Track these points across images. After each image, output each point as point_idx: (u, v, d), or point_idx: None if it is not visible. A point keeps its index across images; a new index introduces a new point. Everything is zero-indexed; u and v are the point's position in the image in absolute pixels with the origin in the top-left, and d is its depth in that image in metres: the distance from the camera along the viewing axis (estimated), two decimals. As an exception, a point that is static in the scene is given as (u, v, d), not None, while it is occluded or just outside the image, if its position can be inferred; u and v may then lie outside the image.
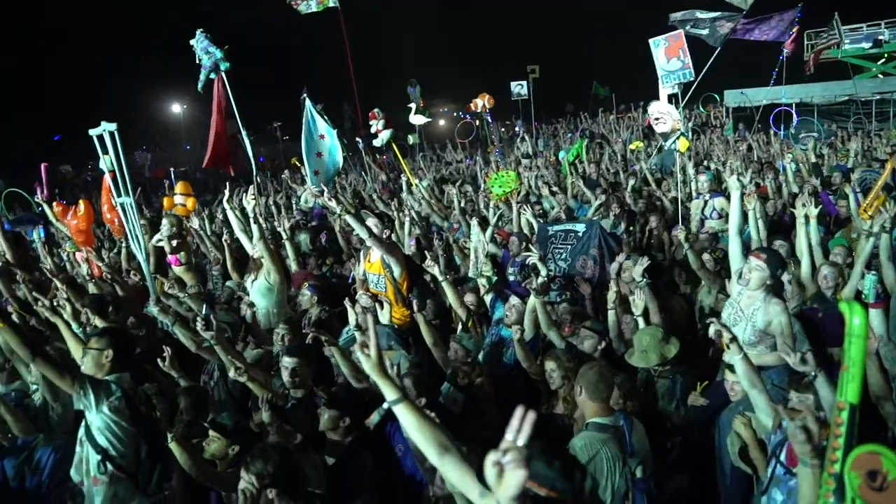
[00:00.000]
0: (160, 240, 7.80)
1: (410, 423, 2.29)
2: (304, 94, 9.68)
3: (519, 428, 1.76)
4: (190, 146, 38.76)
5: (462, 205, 10.08)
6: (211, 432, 4.03)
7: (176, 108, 43.89)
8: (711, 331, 3.80)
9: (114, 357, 3.70)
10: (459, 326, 5.93)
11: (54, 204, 9.65)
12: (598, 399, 3.89)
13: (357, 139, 15.97)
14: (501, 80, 24.42)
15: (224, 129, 9.43)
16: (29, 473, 3.86)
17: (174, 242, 7.76)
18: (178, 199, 10.34)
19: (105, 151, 6.08)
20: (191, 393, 4.66)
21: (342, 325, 6.21)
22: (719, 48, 13.17)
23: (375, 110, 13.34)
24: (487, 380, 4.90)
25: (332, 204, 6.02)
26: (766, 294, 4.75)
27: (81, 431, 3.62)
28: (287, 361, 4.62)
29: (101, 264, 7.43)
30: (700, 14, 13.30)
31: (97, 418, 3.50)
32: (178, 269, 7.79)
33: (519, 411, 1.77)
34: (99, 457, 3.48)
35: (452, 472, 2.19)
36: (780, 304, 4.71)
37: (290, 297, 6.98)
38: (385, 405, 2.40)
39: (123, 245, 9.16)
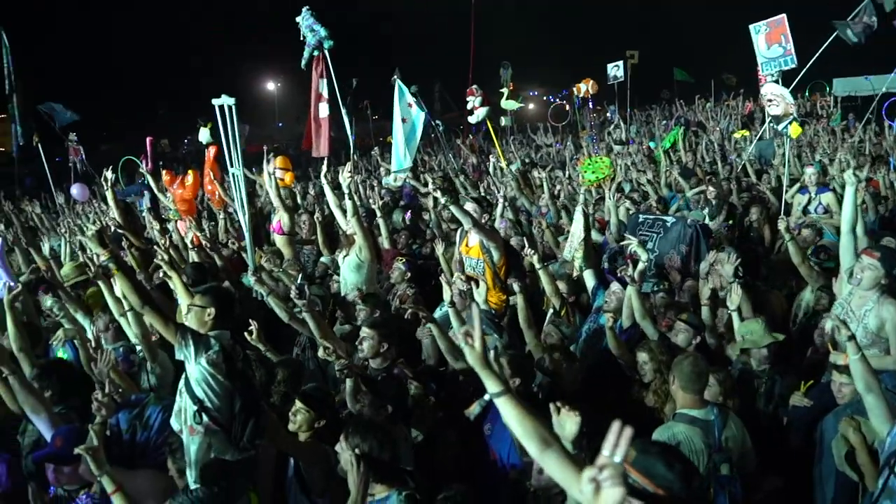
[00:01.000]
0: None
1: (512, 416, 2.26)
2: (396, 76, 9.74)
3: (616, 443, 1.72)
4: (283, 124, 39.75)
5: (553, 190, 9.96)
6: (298, 403, 4.14)
7: (270, 86, 45.12)
8: (827, 327, 3.62)
9: (216, 315, 3.78)
10: (549, 313, 5.88)
11: (164, 173, 10.09)
12: (691, 391, 3.84)
13: (437, 122, 15.92)
14: (595, 65, 23.89)
15: (318, 109, 9.58)
16: (140, 429, 4.05)
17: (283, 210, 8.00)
18: (277, 173, 10.61)
19: (224, 122, 6.39)
20: (289, 365, 4.81)
21: (428, 305, 6.25)
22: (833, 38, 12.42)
23: (474, 87, 13.21)
24: (577, 368, 4.84)
25: (430, 188, 6.05)
26: (879, 294, 4.50)
27: (181, 382, 3.75)
28: (367, 332, 4.72)
29: (200, 234, 7.72)
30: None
31: (195, 370, 3.62)
32: (279, 239, 7.99)
33: (616, 426, 1.73)
34: (195, 407, 3.60)
35: (554, 469, 2.16)
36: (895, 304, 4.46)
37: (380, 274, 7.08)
38: (486, 396, 2.37)
39: (221, 216, 9.51)
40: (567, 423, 2.80)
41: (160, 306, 3.94)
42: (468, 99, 13.25)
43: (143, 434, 4.06)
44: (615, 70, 21.81)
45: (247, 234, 6.59)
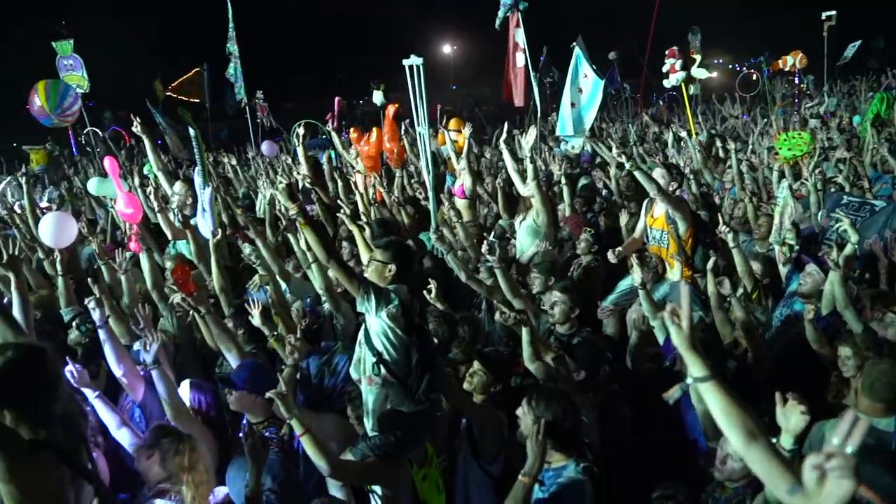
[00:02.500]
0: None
1: (716, 404, 2.12)
2: (576, 42, 9.44)
3: (848, 433, 1.56)
4: (456, 86, 40.23)
5: (740, 165, 9.34)
6: (477, 365, 4.16)
7: (446, 49, 45.74)
8: None
9: (396, 271, 3.84)
10: (738, 294, 5.55)
11: (352, 130, 10.51)
12: (873, 398, 3.59)
13: (625, 85, 15.25)
14: (784, 30, 21.96)
15: (515, 59, 9.51)
16: (328, 375, 4.25)
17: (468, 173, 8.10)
18: (451, 135, 10.72)
19: (412, 82, 6.57)
20: (471, 322, 4.88)
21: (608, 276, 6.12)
22: None
23: (675, 48, 12.39)
24: (764, 353, 4.54)
25: (614, 153, 5.86)
26: None
27: (361, 333, 3.84)
28: (559, 296, 4.65)
29: (383, 190, 7.96)
30: None
31: (376, 322, 3.68)
32: (461, 203, 8.11)
33: (849, 415, 1.61)
34: (374, 359, 3.68)
35: (759, 463, 2.01)
36: None
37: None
38: (688, 381, 2.24)
39: (398, 175, 9.78)
40: (793, 415, 2.63)
41: (344, 261, 4.05)
42: (667, 61, 12.44)
43: (331, 380, 4.24)
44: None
45: (430, 193, 6.73)
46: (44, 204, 9.92)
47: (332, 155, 10.83)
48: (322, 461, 3.34)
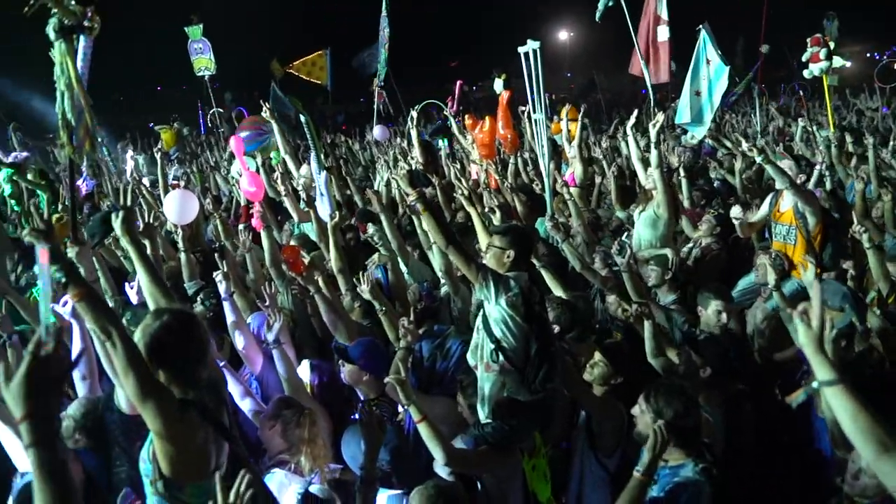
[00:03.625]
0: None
1: (844, 411, 2.00)
2: (702, 26, 9.03)
3: None
4: (571, 73, 39.57)
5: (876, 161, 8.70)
6: (598, 356, 4.08)
7: (563, 36, 45.07)
8: None
9: (515, 257, 3.80)
10: (870, 297, 5.21)
11: (466, 116, 10.54)
12: None
13: (752, 74, 14.46)
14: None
15: (657, 33, 9.13)
16: (440, 358, 4.27)
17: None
18: (562, 124, 10.58)
19: (528, 67, 6.51)
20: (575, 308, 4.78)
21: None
22: None
23: (818, 35, 11.60)
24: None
25: (745, 147, 5.60)
26: None
27: (479, 320, 3.82)
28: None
29: (497, 177, 7.94)
30: None
31: (495, 310, 3.66)
32: (573, 192, 8.00)
33: None
34: (493, 346, 3.66)
35: (890, 477, 1.91)
36: None
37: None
38: (815, 384, 2.11)
39: (511, 161, 9.72)
40: None
41: (462, 247, 4.04)
42: (809, 49, 11.63)
43: (443, 364, 4.25)
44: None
45: (546, 181, 6.66)
46: (170, 181, 10.49)
47: (444, 142, 10.87)
48: (438, 449, 3.34)
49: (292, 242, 6.21)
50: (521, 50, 6.62)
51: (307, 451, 3.59)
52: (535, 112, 6.82)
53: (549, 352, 3.74)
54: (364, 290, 4.72)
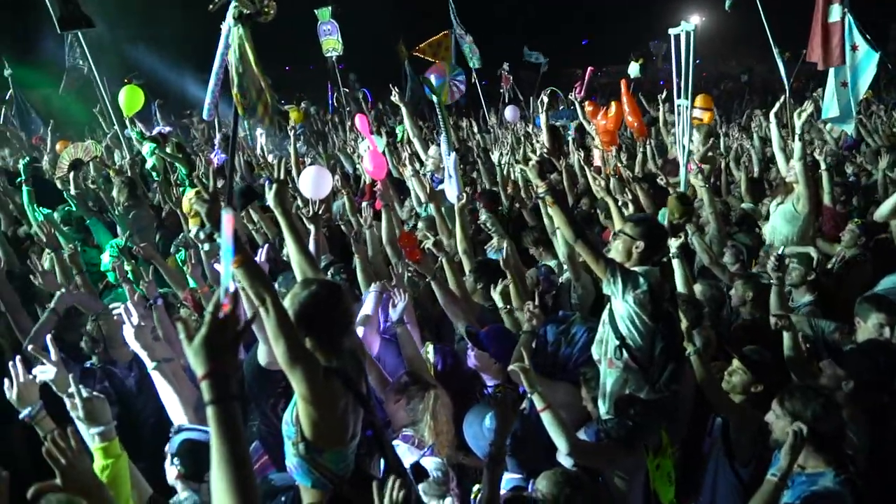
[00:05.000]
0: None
1: None
2: (845, 9, 8.40)
3: None
4: (700, 60, 37.82)
5: None
6: (736, 363, 3.94)
7: (695, 19, 43.13)
8: None
9: (644, 249, 3.70)
10: None
11: (586, 104, 10.37)
12: None
13: None
14: None
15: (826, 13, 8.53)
16: (565, 344, 4.21)
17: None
18: (696, 112, 10.19)
19: (678, 50, 6.46)
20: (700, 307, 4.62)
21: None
22: None
23: None
24: None
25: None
26: None
27: (605, 313, 3.76)
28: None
29: (621, 165, 7.76)
30: None
31: (621, 305, 3.59)
32: (694, 181, 7.75)
33: None
34: (617, 342, 3.60)
35: None
36: None
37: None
38: None
39: (640, 150, 9.47)
40: None
41: (591, 241, 3.98)
42: None
43: (567, 349, 4.20)
44: None
45: (682, 169, 6.45)
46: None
47: (571, 127, 10.75)
48: (562, 439, 3.33)
49: (419, 224, 6.31)
50: (672, 32, 6.45)
51: (430, 426, 3.64)
52: (678, 97, 6.62)
53: (676, 352, 3.65)
54: (496, 293, 4.69)
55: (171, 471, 2.95)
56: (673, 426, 3.88)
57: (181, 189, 8.62)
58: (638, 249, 3.71)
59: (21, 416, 2.87)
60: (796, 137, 6.00)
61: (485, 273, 5.08)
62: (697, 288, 4.84)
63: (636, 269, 3.68)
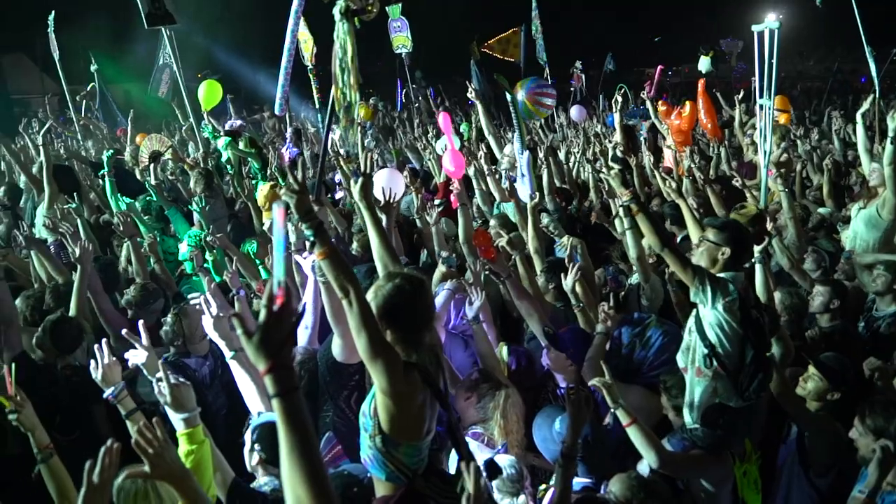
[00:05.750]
0: None
1: None
2: None
3: None
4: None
5: None
6: (811, 369, 3.82)
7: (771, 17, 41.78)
8: None
9: (730, 255, 3.60)
10: None
11: (659, 103, 10.18)
12: None
13: None
14: None
15: None
16: (639, 347, 4.14)
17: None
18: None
19: (761, 48, 6.33)
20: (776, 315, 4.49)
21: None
22: None
23: None
24: None
25: None
26: None
27: (691, 321, 3.69)
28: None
29: (695, 166, 7.59)
30: None
31: (710, 314, 3.51)
32: (773, 185, 7.55)
33: None
34: (706, 350, 3.53)
35: None
36: None
37: None
38: None
39: (713, 151, 9.25)
40: None
41: (678, 251, 3.90)
42: None
43: (641, 352, 4.13)
44: None
45: (763, 172, 6.27)
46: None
47: (644, 127, 10.57)
48: (651, 452, 3.26)
49: (492, 222, 6.30)
50: (755, 28, 6.28)
51: (501, 424, 3.63)
52: (760, 97, 6.45)
53: (765, 359, 3.56)
54: (568, 284, 4.64)
55: (253, 457, 3.02)
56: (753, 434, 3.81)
57: (254, 182, 8.79)
58: (724, 256, 3.62)
59: (105, 395, 3.02)
60: (888, 140, 5.74)
61: (556, 273, 5.03)
62: (777, 295, 4.69)
63: (723, 275, 3.61)
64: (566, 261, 4.70)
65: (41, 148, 7.73)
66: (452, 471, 3.00)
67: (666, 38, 33.73)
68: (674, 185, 5.61)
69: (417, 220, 6.77)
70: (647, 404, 3.93)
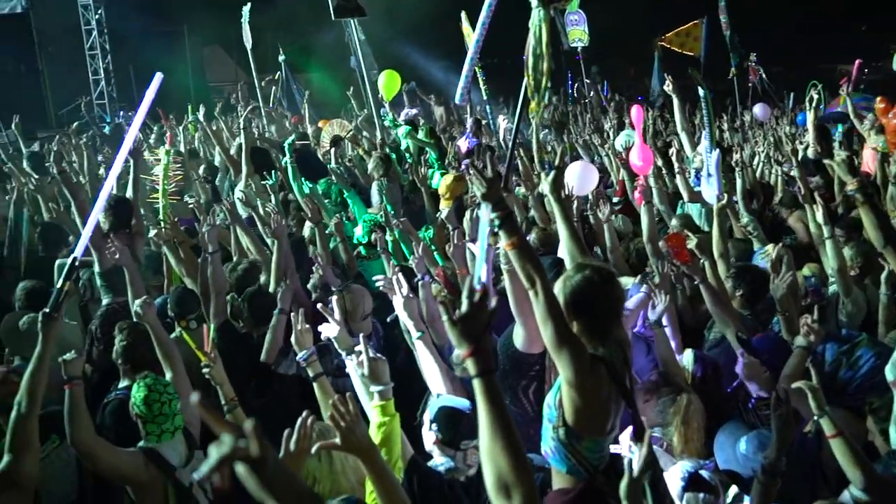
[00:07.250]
0: None
1: None
2: None
3: None
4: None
5: None
6: None
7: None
8: None
9: None
10: None
11: (878, 100, 9.32)
12: None
13: None
14: None
15: None
16: (846, 366, 3.88)
17: None
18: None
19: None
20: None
21: None
22: None
23: None
24: None
25: None
26: None
27: None
28: None
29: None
30: None
31: None
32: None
33: None
34: None
35: None
36: None
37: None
38: None
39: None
40: None
41: None
42: None
43: (847, 372, 3.86)
44: None
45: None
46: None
47: (840, 126, 9.79)
48: (857, 471, 2.93)
49: (673, 222, 6.07)
50: None
51: (681, 431, 3.48)
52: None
53: None
54: (776, 290, 4.36)
55: (430, 436, 3.09)
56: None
57: (430, 171, 8.98)
58: None
59: (297, 357, 3.38)
60: None
61: (745, 279, 4.76)
62: None
63: None
64: (770, 269, 4.43)
65: (243, 131, 8.24)
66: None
67: (862, 32, 30.90)
68: (857, 186, 5.09)
69: (590, 216, 6.63)
70: (850, 428, 3.61)
